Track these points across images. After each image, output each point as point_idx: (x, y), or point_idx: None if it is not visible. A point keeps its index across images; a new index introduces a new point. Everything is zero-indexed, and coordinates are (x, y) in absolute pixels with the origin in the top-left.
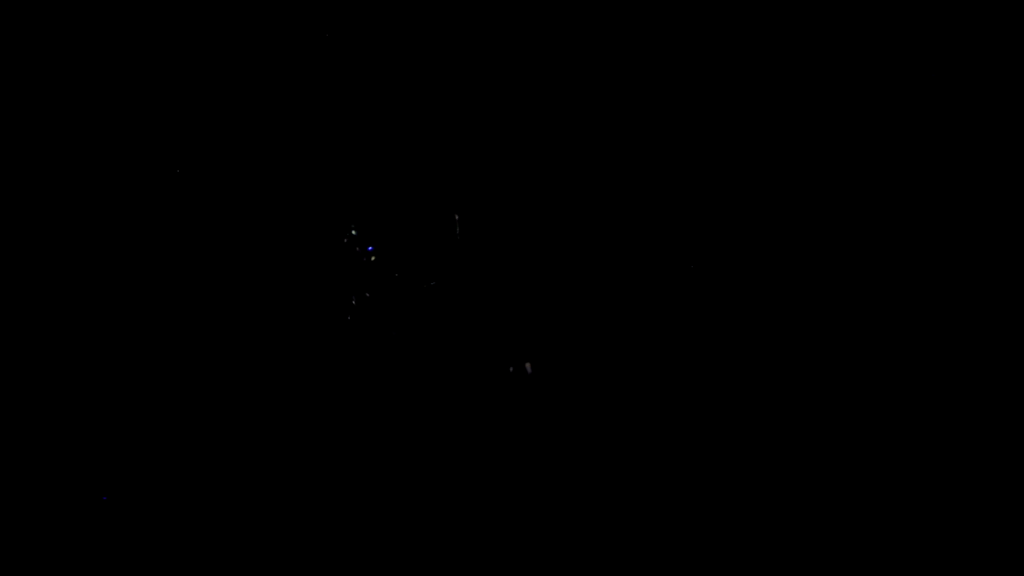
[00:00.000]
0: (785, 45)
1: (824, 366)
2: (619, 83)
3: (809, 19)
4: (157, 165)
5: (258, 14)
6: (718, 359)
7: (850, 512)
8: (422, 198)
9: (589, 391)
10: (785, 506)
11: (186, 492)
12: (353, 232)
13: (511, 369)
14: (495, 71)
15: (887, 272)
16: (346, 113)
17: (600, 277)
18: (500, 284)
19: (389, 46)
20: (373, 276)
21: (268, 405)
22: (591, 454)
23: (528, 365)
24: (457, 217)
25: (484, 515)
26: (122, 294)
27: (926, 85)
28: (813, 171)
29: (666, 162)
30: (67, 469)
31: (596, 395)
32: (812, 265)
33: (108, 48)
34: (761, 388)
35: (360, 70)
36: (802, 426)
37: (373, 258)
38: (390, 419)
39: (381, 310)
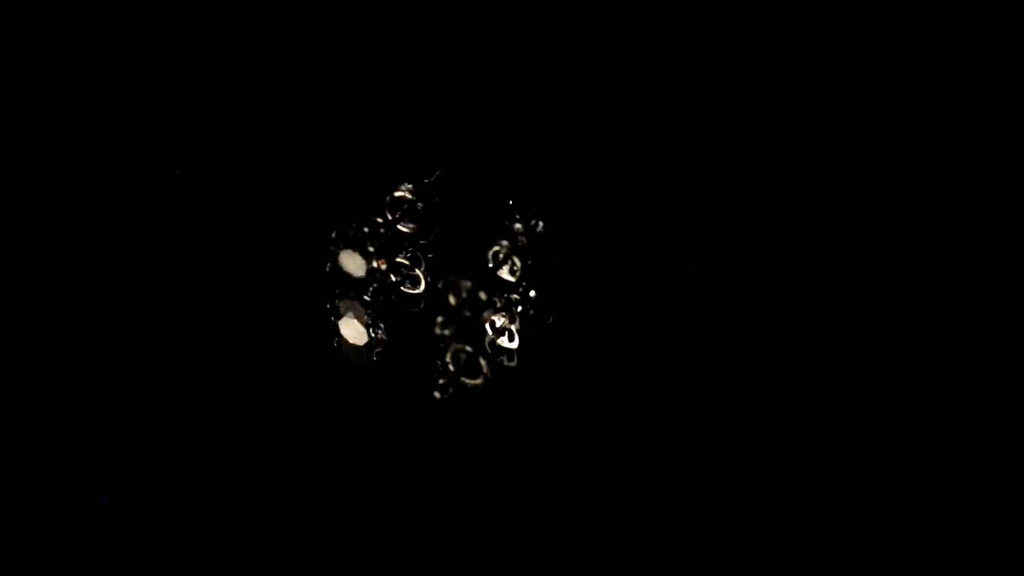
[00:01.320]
0: (785, 45)
1: (823, 365)
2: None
3: (810, 19)
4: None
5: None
6: (715, 359)
7: (850, 512)
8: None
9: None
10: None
11: (186, 492)
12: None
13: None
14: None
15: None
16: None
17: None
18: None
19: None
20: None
21: (264, 405)
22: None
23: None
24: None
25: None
26: (123, 293)
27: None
28: (813, 172)
29: (663, 160)
30: (67, 469)
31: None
32: (812, 265)
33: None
34: (760, 390)
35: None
36: (800, 426)
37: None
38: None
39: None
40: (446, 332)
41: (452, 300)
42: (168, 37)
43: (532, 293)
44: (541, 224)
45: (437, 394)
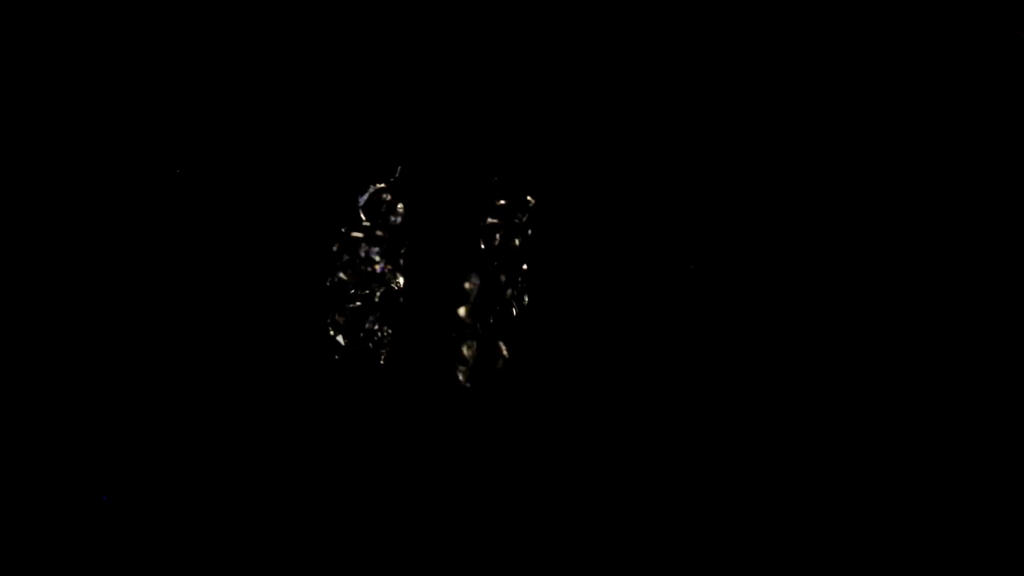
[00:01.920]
0: (784, 46)
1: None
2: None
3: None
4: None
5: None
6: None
7: (850, 512)
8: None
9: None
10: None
11: (186, 492)
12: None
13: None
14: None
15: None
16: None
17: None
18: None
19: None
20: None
21: (265, 404)
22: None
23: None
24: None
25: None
26: (124, 293)
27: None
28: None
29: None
30: (67, 469)
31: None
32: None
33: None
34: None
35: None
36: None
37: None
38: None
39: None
40: (467, 319)
41: (468, 286)
42: (147, 42)
43: (524, 266)
44: (530, 199)
45: (468, 384)
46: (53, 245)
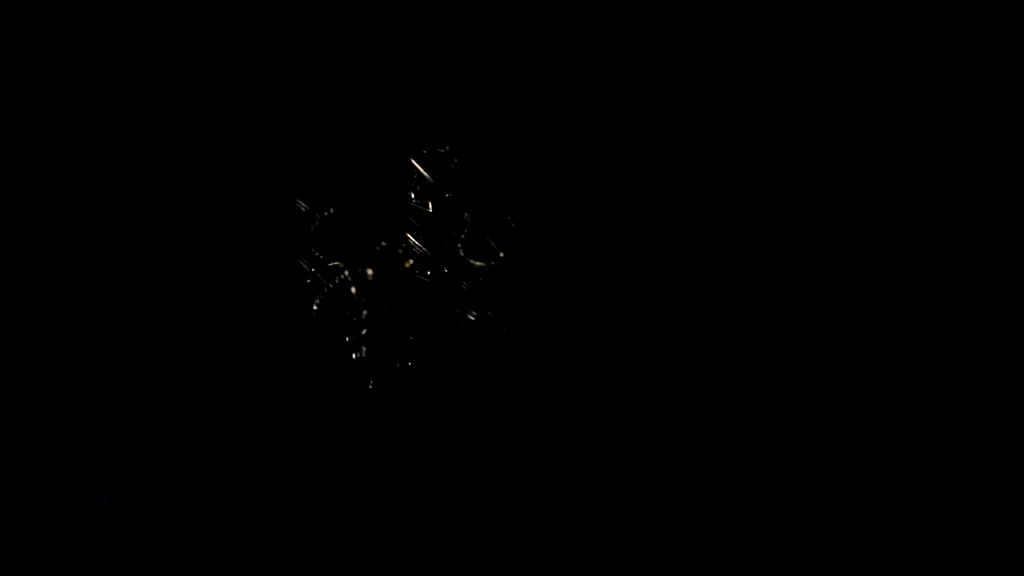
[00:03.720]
0: (783, 45)
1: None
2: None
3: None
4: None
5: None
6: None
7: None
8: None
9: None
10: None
11: (186, 492)
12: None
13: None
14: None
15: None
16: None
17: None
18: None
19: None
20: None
21: (265, 403)
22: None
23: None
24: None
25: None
26: (122, 292)
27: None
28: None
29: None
30: (67, 469)
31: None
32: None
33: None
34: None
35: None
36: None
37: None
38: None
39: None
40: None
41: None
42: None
43: (466, 215)
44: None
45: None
46: (32, 251)
